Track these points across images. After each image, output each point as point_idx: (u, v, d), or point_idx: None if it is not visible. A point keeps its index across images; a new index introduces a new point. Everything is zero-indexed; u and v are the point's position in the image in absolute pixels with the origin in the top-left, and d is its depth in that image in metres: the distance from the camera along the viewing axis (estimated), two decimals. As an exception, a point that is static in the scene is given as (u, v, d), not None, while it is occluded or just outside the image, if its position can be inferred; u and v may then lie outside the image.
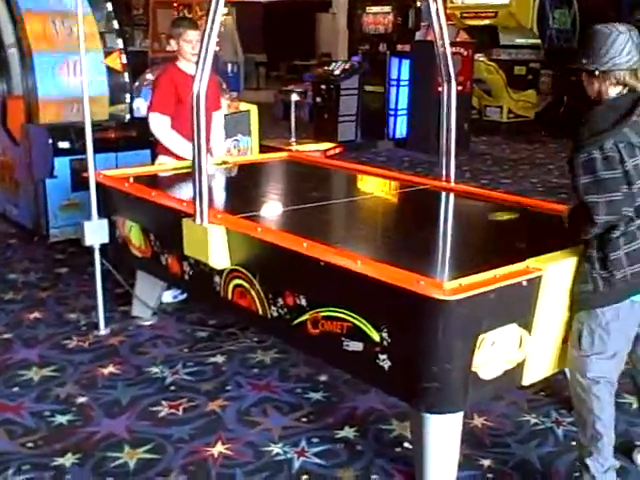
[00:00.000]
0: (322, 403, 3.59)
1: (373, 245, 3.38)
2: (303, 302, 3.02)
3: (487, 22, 13.94)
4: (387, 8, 11.76)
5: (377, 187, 4.64)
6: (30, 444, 3.21)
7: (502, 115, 13.29)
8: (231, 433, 3.32)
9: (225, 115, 5.33)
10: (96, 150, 4.25)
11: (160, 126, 4.59)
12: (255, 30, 21.79)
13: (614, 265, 2.63)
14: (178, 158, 4.60)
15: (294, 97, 9.77)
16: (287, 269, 3.15)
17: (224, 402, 3.58)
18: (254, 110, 6.72)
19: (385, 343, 2.68)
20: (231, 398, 3.62)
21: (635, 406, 3.47)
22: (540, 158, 10.75)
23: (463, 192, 4.18)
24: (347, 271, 2.76)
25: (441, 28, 3.97)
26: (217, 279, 3.53)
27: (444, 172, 4.18)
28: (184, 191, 4.06)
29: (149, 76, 6.73)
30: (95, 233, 4.25)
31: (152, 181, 4.34)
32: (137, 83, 6.81)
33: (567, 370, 2.94)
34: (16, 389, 3.69)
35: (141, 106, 6.22)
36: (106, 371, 3.89)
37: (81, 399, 3.60)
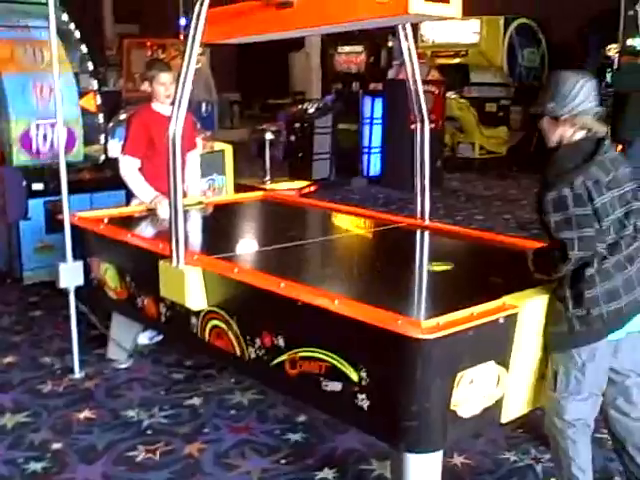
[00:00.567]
0: (301, 444, 3.56)
1: (350, 284, 3.38)
2: (281, 343, 3.01)
3: (458, 61, 14.21)
4: (359, 48, 11.95)
5: (353, 225, 4.67)
6: (4, 493, 3.15)
7: (474, 152, 13.43)
8: (209, 477, 3.28)
9: (200, 154, 5.35)
10: (71, 191, 4.22)
11: (127, 169, 4.62)
12: (229, 69, 22.01)
13: (591, 303, 2.64)
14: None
15: (268, 136, 9.79)
16: (264, 309, 3.14)
17: (202, 445, 3.54)
18: (229, 150, 6.76)
19: (364, 383, 2.67)
20: (209, 441, 3.58)
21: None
22: (512, 194, 10.87)
23: (438, 230, 4.21)
24: (324, 311, 2.76)
25: (413, 67, 4.01)
26: (194, 320, 3.50)
27: (419, 209, 4.21)
28: (159, 232, 4.05)
29: (123, 116, 6.73)
30: (70, 275, 4.21)
31: (127, 222, 4.33)
32: (111, 123, 6.82)
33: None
34: (-11, 436, 3.62)
35: (114, 147, 6.23)
36: (81, 415, 3.83)
37: (56, 445, 3.53)
